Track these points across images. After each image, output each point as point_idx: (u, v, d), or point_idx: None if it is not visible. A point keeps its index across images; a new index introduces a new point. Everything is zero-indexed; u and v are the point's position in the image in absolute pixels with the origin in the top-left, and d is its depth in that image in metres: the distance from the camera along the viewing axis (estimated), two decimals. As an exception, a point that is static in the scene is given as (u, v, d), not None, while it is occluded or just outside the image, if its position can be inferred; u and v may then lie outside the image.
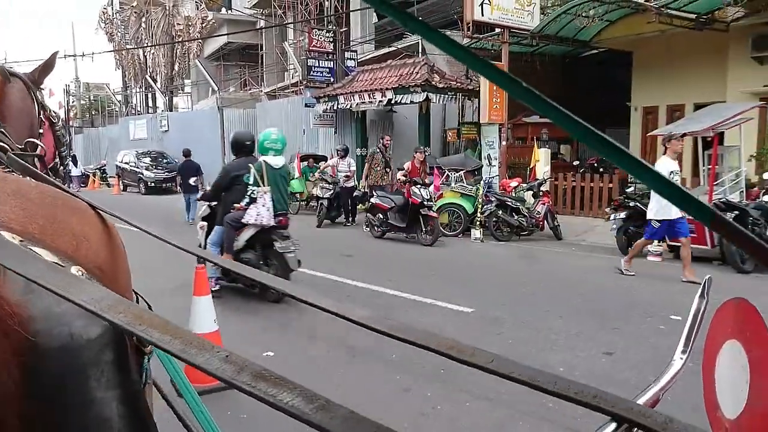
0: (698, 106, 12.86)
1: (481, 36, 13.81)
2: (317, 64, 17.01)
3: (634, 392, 1.01)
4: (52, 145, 1.82)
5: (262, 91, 28.55)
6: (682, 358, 0.99)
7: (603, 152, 0.51)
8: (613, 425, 0.67)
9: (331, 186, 13.02)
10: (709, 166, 9.00)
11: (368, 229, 11.57)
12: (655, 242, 8.97)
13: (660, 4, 11.15)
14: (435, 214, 10.39)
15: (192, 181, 13.54)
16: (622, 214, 9.19)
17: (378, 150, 12.97)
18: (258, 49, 29.36)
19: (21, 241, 0.90)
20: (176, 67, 30.87)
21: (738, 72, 12.24)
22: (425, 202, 10.24)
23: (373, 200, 11.28)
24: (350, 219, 13.46)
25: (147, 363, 1.05)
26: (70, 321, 0.80)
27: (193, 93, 35.00)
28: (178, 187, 16.34)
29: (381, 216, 10.99)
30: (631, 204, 9.11)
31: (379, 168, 12.77)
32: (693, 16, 11.55)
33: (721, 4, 10.75)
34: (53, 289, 0.70)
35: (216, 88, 22.86)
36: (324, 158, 16.44)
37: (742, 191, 9.02)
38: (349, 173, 13.40)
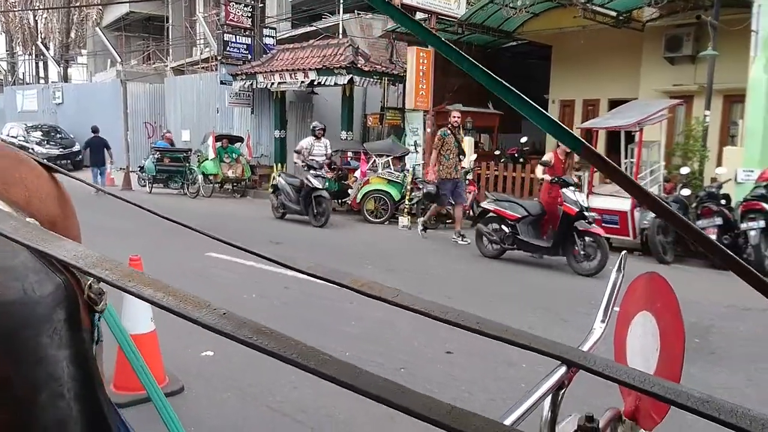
0: (612, 102, 13.40)
1: (408, 20, 13.60)
2: (234, 40, 16.14)
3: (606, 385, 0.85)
4: None
5: (167, 65, 26.97)
6: (601, 327, 1.00)
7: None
8: (563, 369, 0.73)
9: (321, 172, 10.66)
10: (632, 160, 9.32)
11: (475, 243, 8.58)
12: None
13: (585, 0, 11.41)
14: (598, 230, 7.37)
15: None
16: (550, 205, 9.33)
17: (448, 131, 9.43)
18: (163, 21, 27.63)
19: None
20: (72, 35, 28.45)
21: (651, 70, 12.82)
22: (584, 212, 7.35)
23: (485, 205, 8.38)
24: (323, 219, 10.59)
25: (98, 321, 0.98)
26: (24, 275, 0.78)
27: (90, 64, 32.47)
28: (86, 161, 16.26)
29: (505, 229, 7.93)
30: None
31: (451, 156, 9.31)
32: (614, 13, 11.93)
33: (642, 3, 11.15)
34: (32, 245, 0.69)
35: (118, 60, 21.21)
36: (240, 139, 15.72)
37: (660, 185, 9.41)
38: (326, 157, 11.16)
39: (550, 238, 7.72)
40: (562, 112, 15.19)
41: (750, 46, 9.89)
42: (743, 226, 7.73)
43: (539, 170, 8.17)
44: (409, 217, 10.81)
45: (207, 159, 15.06)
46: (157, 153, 15.51)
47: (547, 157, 8.28)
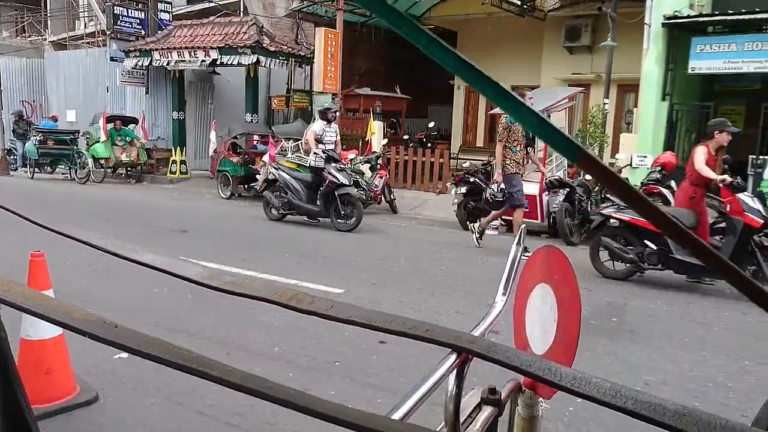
0: (515, 89, 13.77)
1: (315, 0, 13.26)
2: (126, 13, 15.01)
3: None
4: None
5: (46, 39, 24.77)
6: (502, 300, 1.03)
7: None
8: (454, 355, 0.76)
9: (343, 164, 9.13)
10: (540, 147, 9.60)
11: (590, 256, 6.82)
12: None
13: (492, -13, 11.63)
14: None
15: None
16: (463, 189, 9.46)
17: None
18: (41, -10, 25.28)
19: None
20: (-70, 1, 25.34)
21: (551, 59, 13.31)
22: None
23: (612, 212, 6.55)
24: (352, 221, 8.90)
25: None
26: None
27: (-47, 35, 29.16)
28: None
29: (650, 244, 6.30)
30: (471, 179, 9.40)
31: (518, 148, 7.58)
32: (518, 2, 12.23)
33: (545, -8, 11.51)
34: None
35: (-11, 31, 19.17)
36: (134, 120, 14.70)
37: (565, 170, 9.80)
38: (336, 144, 9.40)
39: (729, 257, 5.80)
40: (468, 99, 15.48)
41: (643, 39, 10.47)
42: (643, 208, 8.16)
43: (705, 169, 6.19)
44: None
45: (97, 141, 13.96)
46: (40, 135, 14.19)
47: (701, 152, 6.29)
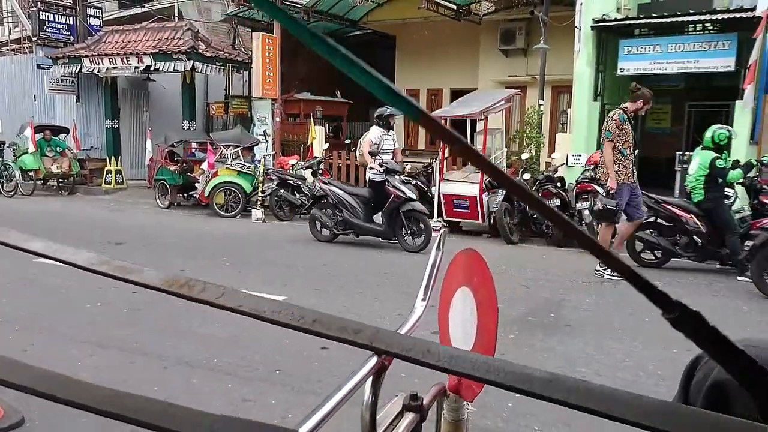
0: (454, 92, 14.01)
1: (251, 5, 13.08)
2: (52, 19, 14.43)
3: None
4: None
5: (-33, 46, 23.57)
6: (422, 306, 1.00)
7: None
8: (375, 358, 0.74)
9: (400, 176, 8.20)
10: (479, 147, 9.76)
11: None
12: (435, 216, 9.49)
13: (428, -8, 11.77)
14: None
15: None
16: (404, 192, 9.50)
17: (625, 116, 6.59)
18: (-40, -5, 24.02)
19: None
20: None
21: (488, 62, 13.58)
22: None
23: None
24: (421, 240, 7.92)
25: None
26: None
27: None
28: None
29: None
30: (413, 182, 9.46)
31: (628, 151, 6.58)
32: (454, 6, 12.42)
33: (479, -4, 11.74)
34: None
35: None
36: (65, 130, 14.14)
37: (504, 170, 9.98)
38: (394, 153, 8.48)
39: None
40: (408, 102, 15.60)
41: (574, 41, 10.82)
42: (578, 206, 8.44)
43: None
44: (263, 209, 10.43)
45: (25, 152, 13.34)
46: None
47: None
